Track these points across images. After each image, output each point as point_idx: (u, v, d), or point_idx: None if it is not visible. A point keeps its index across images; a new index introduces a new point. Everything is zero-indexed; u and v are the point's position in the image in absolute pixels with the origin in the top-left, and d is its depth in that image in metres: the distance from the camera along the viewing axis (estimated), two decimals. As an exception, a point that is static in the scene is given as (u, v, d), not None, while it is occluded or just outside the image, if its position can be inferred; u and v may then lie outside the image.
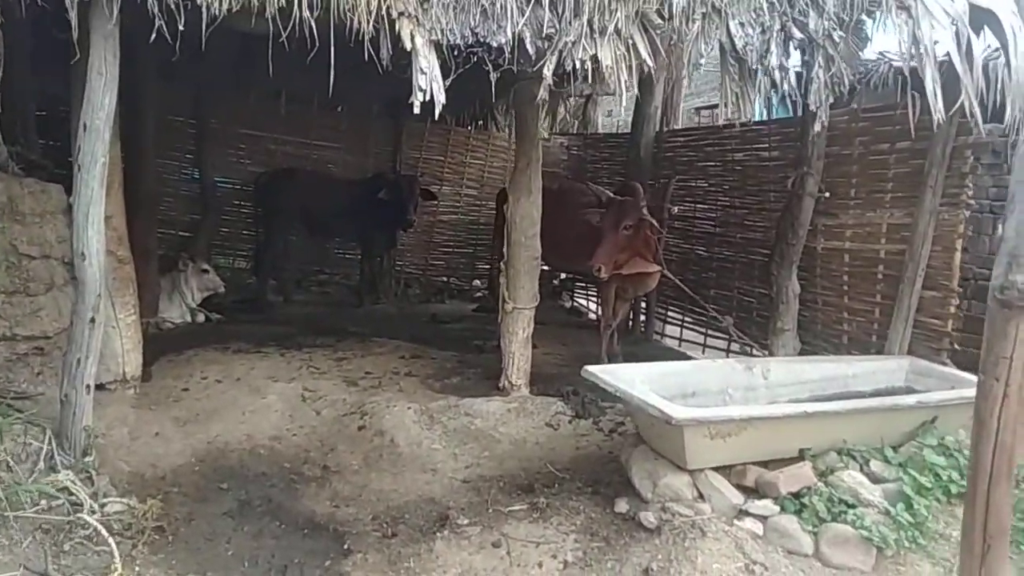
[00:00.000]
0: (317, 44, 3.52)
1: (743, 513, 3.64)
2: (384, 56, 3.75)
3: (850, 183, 5.77)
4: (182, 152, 8.79)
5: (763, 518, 3.61)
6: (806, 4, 4.08)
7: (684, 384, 4.29)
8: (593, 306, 9.79)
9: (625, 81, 4.03)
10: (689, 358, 7.31)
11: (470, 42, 3.82)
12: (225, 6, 3.37)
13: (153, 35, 3.27)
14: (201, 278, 7.33)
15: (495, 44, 3.85)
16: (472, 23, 3.80)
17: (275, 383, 5.37)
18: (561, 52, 3.97)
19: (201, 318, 7.39)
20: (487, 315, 8.94)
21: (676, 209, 6.68)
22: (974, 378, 4.53)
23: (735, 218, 7.13)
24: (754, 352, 6.72)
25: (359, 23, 3.61)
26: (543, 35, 3.91)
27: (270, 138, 9.18)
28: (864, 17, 4.22)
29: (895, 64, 5.80)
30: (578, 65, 3.98)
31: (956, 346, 5.17)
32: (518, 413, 5.10)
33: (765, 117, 7.47)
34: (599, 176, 9.20)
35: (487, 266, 10.55)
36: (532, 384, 5.62)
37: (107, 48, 3.50)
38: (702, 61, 4.31)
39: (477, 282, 10.54)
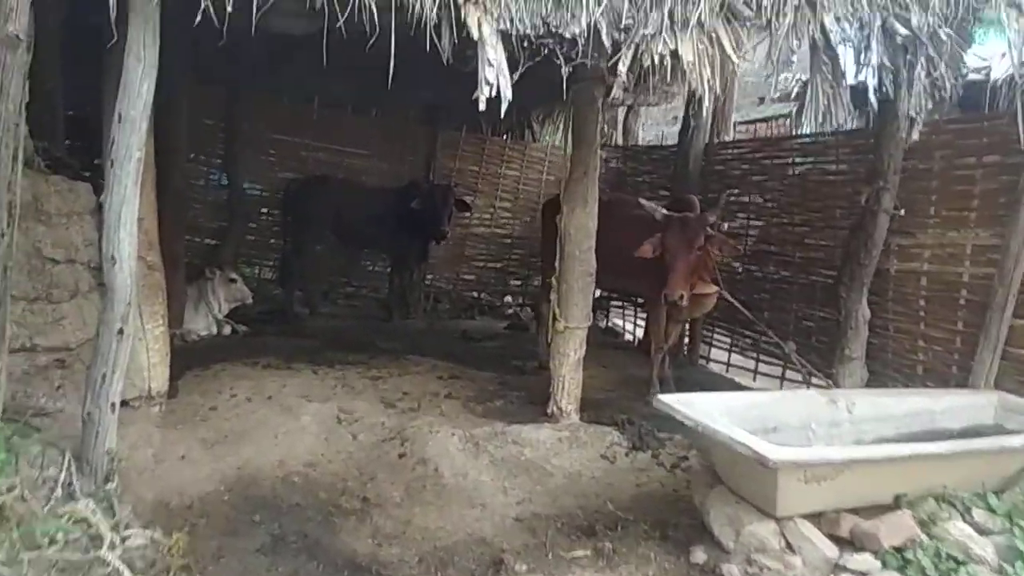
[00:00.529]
0: (378, 31, 3.17)
1: (839, 568, 3.22)
2: (446, 47, 3.41)
3: (929, 200, 5.35)
4: (211, 156, 8.49)
5: (862, 574, 3.20)
6: (908, -1, 3.70)
7: (764, 417, 3.88)
8: (630, 326, 9.40)
9: (708, 80, 3.66)
10: (740, 386, 6.93)
11: (541, 32, 3.47)
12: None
13: (199, 16, 2.94)
14: (229, 288, 7.00)
15: (568, 35, 3.50)
16: (544, 11, 3.45)
17: (308, 403, 5.00)
18: (638, 46, 3.62)
19: (227, 330, 7.07)
20: (520, 333, 8.64)
21: (727, 225, 6.28)
22: (1075, 417, 4.20)
23: (794, 236, 6.70)
24: (814, 381, 6.30)
25: (421, 9, 3.27)
26: (621, 26, 3.55)
27: (302, 144, 8.86)
28: (969, 16, 3.83)
29: (970, 77, 5.41)
30: (656, 61, 3.62)
31: (1051, 381, 4.74)
32: (570, 443, 4.70)
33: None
34: (641, 190, 8.82)
35: (517, 282, 10.24)
36: (581, 410, 5.22)
37: (147, 30, 3.16)
38: (794, 59, 3.91)
39: (508, 298, 10.16)
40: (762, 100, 11.91)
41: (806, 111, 3.90)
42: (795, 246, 6.68)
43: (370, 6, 3.13)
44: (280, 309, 8.08)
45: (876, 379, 5.73)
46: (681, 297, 5.12)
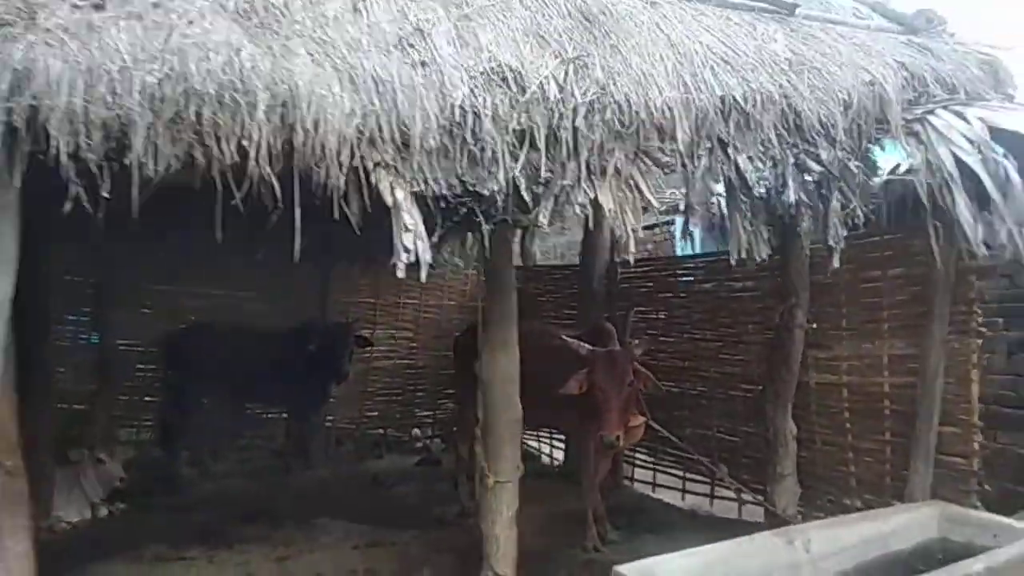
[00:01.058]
0: (280, 204, 2.85)
1: None
2: (356, 212, 3.13)
3: (840, 313, 5.43)
4: (79, 314, 7.71)
5: None
6: (815, 135, 3.74)
7: (727, 574, 3.60)
8: (547, 449, 9.06)
9: (631, 225, 3.54)
10: (671, 506, 6.73)
11: (458, 192, 3.25)
12: (163, 166, 2.67)
13: (68, 204, 2.53)
14: (98, 469, 6.14)
15: (486, 192, 3.29)
16: (459, 171, 3.24)
17: (209, 607, 4.33)
18: (558, 197, 3.46)
19: (103, 511, 6.19)
20: (434, 468, 8.16)
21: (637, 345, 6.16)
22: (1016, 524, 4.17)
23: (707, 351, 6.65)
24: (744, 498, 6.15)
25: (327, 176, 2.99)
26: (540, 179, 3.39)
27: (180, 292, 8.21)
28: (871, 145, 3.92)
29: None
30: (578, 210, 3.48)
31: (986, 486, 4.73)
32: (515, 619, 4.24)
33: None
34: (544, 312, 8.66)
35: (426, 413, 9.79)
36: (519, 567, 4.76)
37: (5, 222, 2.70)
38: (713, 200, 3.88)
39: (417, 431, 9.65)
40: (645, 210, 12.21)
41: (730, 247, 3.85)
42: (710, 362, 6.62)
43: (270, 180, 2.81)
44: (165, 475, 7.23)
45: (809, 494, 5.65)
46: (618, 438, 4.90)
